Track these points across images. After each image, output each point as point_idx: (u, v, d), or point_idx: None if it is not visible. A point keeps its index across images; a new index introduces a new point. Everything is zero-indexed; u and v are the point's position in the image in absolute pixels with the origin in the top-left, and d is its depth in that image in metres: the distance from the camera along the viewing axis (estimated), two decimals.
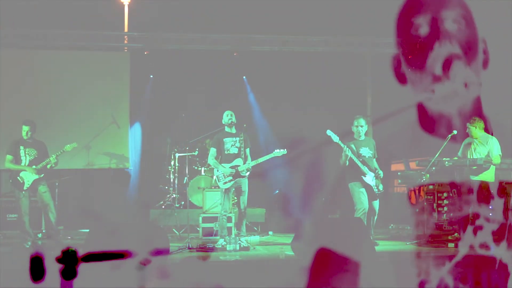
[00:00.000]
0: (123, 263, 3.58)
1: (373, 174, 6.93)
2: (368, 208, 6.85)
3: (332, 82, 10.12)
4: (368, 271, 4.65)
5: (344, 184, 7.15)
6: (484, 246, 4.27)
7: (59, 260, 2.44)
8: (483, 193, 6.74)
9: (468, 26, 7.68)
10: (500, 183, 6.61)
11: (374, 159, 7.11)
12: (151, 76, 10.45)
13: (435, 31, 8.56)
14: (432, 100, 7.38)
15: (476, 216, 5.99)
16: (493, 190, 7.01)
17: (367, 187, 6.91)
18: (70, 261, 2.44)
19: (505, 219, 6.12)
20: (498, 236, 4.31)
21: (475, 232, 4.36)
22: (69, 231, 8.25)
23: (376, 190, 6.95)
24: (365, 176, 6.88)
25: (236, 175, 7.07)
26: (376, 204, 6.97)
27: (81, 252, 2.55)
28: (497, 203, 6.38)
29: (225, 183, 7.06)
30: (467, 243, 4.31)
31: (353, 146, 6.95)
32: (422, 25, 8.78)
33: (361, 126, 7.05)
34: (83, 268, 2.56)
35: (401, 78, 8.14)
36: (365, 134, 7.17)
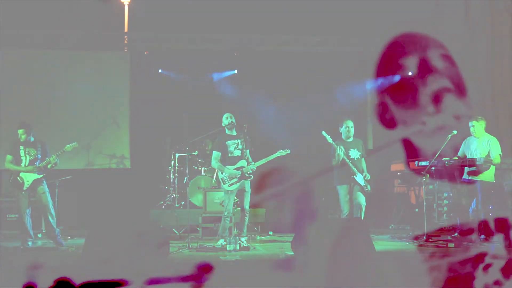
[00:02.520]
0: None
1: (361, 176, 7.09)
2: (349, 211, 7.05)
3: (332, 82, 10.11)
4: (368, 271, 4.65)
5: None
6: (498, 283, 4.31)
7: None
8: (487, 228, 6.75)
9: (451, 64, 7.77)
10: (496, 220, 6.63)
11: (363, 159, 7.26)
12: (160, 71, 10.33)
13: (423, 69, 8.61)
14: (423, 131, 7.49)
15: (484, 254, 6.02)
16: (493, 191, 7.01)
17: (357, 184, 7.06)
18: None
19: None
20: (507, 271, 4.35)
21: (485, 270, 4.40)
22: (69, 231, 8.25)
23: (366, 189, 7.10)
24: (355, 176, 7.03)
25: (242, 176, 7.06)
26: (363, 199, 7.05)
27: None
28: (499, 238, 6.42)
29: (231, 185, 7.04)
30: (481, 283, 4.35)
31: (342, 147, 7.02)
32: (410, 66, 8.76)
33: (350, 127, 7.19)
34: None
35: (390, 123, 8.20)
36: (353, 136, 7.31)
